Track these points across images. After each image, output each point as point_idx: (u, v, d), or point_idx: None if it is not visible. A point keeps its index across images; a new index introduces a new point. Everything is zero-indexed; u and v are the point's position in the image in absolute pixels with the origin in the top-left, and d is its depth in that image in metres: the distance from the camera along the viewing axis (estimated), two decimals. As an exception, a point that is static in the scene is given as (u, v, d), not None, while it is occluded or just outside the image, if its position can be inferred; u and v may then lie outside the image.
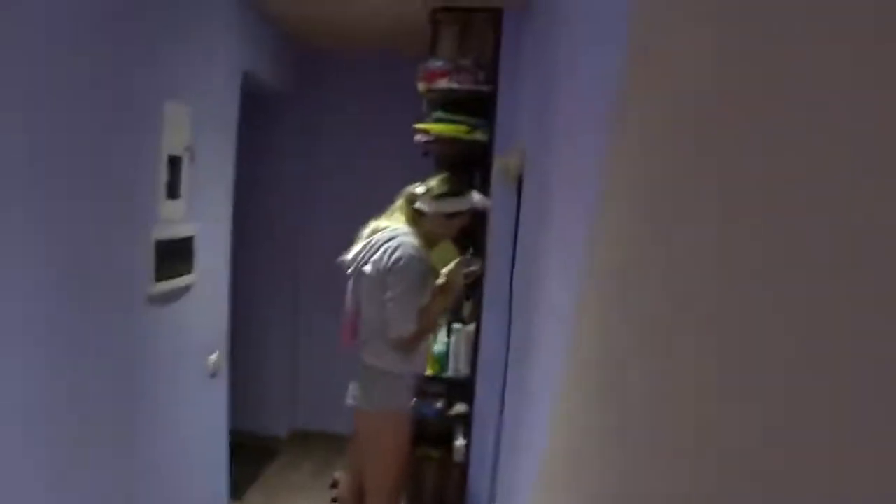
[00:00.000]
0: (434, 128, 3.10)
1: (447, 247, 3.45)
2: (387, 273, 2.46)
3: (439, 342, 3.30)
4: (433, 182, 2.62)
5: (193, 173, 2.76)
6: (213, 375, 3.10)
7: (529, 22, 2.70)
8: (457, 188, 2.59)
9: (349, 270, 2.64)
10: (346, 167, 4.36)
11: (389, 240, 2.52)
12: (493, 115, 3.12)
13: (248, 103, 3.38)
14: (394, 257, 2.45)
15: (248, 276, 4.06)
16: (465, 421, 3.35)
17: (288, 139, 4.24)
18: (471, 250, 2.74)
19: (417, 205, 2.62)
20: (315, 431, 4.47)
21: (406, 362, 2.56)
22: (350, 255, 2.64)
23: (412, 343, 2.47)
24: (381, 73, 4.24)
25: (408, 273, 2.45)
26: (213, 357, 3.09)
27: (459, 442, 3.30)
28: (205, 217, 2.93)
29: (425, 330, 2.53)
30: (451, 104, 3.20)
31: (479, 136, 3.12)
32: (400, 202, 2.67)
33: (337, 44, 4.17)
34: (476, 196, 2.59)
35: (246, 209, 3.67)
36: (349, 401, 2.63)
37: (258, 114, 4.06)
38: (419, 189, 2.63)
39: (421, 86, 3.14)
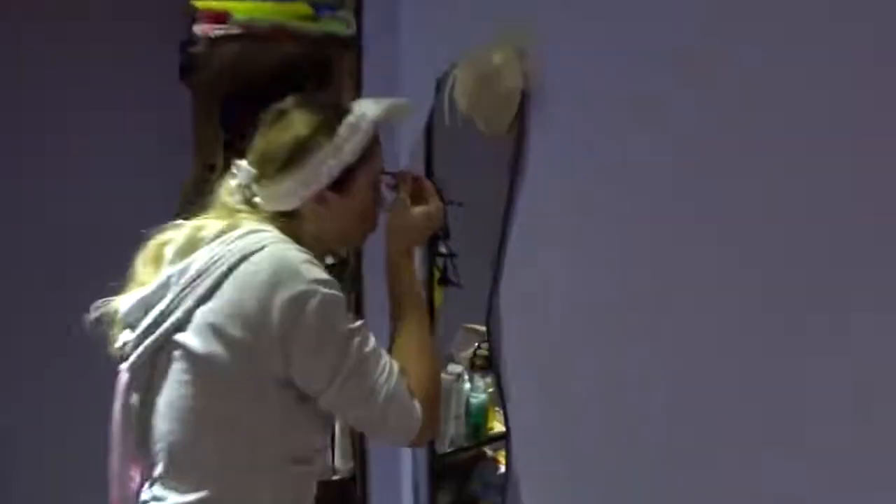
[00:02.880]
0: (242, 7, 1.46)
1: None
2: (277, 338, 0.97)
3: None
4: (259, 138, 1.09)
5: None
6: None
7: None
8: (322, 112, 1.09)
9: (128, 347, 1.03)
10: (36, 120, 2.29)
11: (245, 257, 0.99)
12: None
13: None
14: (283, 297, 0.97)
15: None
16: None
17: None
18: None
19: (257, 201, 1.09)
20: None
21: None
22: (126, 306, 1.03)
23: (435, 410, 1.12)
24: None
25: (334, 313, 1.01)
26: None
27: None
28: None
29: (431, 375, 1.12)
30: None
31: (333, 26, 1.56)
32: (226, 199, 1.11)
33: None
34: (368, 104, 1.11)
35: None
36: None
37: None
38: (240, 170, 1.10)
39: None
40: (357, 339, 1.00)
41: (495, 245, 1.24)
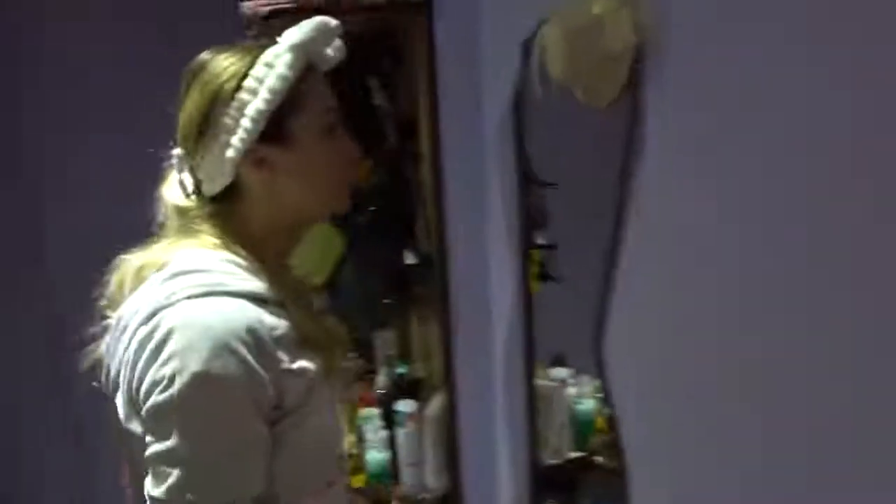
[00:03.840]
0: (293, -24, 1.28)
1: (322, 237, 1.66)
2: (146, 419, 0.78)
3: (373, 441, 1.61)
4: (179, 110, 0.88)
5: None
6: None
7: None
8: (235, 57, 0.85)
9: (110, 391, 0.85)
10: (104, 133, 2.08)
11: (148, 318, 0.78)
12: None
13: None
14: (154, 373, 0.75)
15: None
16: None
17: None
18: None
19: (202, 188, 0.87)
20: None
21: None
22: (106, 348, 0.85)
23: None
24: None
25: (194, 412, 0.75)
26: None
27: None
28: None
29: None
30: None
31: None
32: (166, 197, 0.89)
33: None
34: (288, 33, 0.86)
35: None
36: None
37: None
38: (172, 158, 0.89)
39: None
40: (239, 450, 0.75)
41: (607, 235, 1.01)
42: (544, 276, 1.49)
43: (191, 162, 0.85)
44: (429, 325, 1.62)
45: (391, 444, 1.61)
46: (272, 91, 0.81)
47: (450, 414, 1.57)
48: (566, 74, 0.89)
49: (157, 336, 0.74)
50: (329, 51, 0.87)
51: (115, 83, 2.07)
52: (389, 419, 1.62)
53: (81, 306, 0.87)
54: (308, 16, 1.35)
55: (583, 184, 1.12)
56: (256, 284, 0.79)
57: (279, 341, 0.77)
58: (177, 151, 0.86)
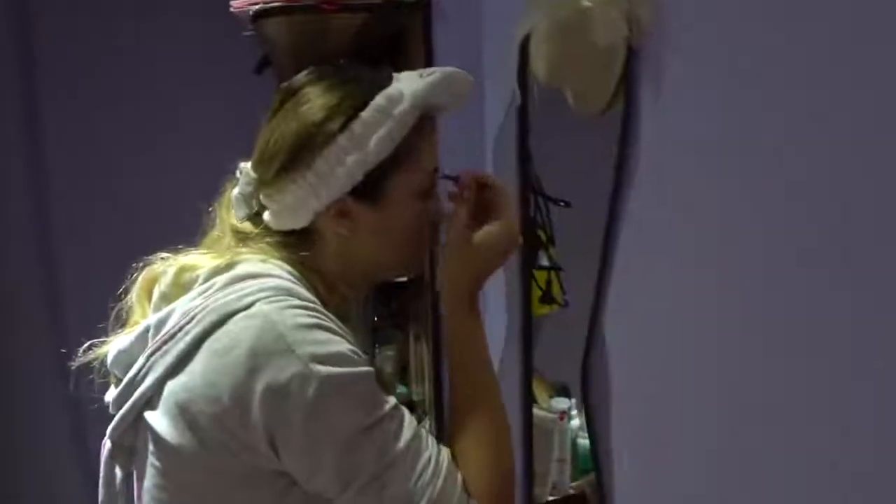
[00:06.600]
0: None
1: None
2: (263, 439, 0.70)
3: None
4: (263, 129, 0.79)
5: None
6: None
7: None
8: (344, 90, 0.76)
9: (111, 409, 0.79)
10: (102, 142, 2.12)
11: (221, 321, 0.70)
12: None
13: None
14: (264, 385, 0.68)
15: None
16: None
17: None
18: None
19: (265, 216, 0.78)
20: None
21: None
22: (112, 355, 0.79)
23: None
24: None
25: (341, 401, 0.70)
26: None
27: None
28: None
29: (501, 467, 0.79)
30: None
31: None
32: (224, 215, 0.83)
33: None
34: (409, 79, 0.77)
35: None
36: None
37: None
38: (242, 175, 0.81)
39: None
40: (381, 433, 0.70)
41: (597, 261, 0.90)
42: (548, 300, 1.38)
43: (263, 190, 0.77)
44: (422, 346, 1.52)
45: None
46: (380, 145, 0.72)
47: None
48: (552, 76, 0.78)
49: (241, 350, 0.68)
50: (449, 104, 0.80)
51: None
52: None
53: None
54: (303, 12, 1.28)
55: (580, 202, 1.01)
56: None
57: None
58: (248, 169, 0.78)
